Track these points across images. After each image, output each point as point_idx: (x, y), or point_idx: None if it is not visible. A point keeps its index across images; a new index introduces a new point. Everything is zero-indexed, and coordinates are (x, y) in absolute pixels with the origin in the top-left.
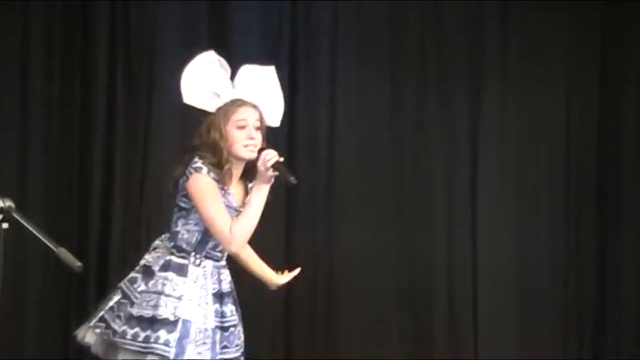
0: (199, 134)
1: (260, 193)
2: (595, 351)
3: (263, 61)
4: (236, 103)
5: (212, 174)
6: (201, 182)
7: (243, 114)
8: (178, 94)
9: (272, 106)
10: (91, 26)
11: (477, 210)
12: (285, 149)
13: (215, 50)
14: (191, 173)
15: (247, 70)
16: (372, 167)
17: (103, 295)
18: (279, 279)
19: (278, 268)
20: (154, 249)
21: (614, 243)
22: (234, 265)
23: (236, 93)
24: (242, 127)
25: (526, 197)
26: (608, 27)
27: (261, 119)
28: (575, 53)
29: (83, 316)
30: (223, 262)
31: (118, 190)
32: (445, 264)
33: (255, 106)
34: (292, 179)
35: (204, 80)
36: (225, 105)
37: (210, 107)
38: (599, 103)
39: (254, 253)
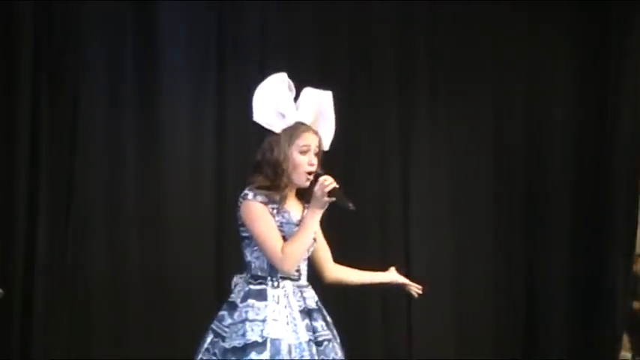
0: (262, 151)
1: (314, 218)
2: (525, 351)
3: (191, 62)
4: (300, 128)
5: (259, 197)
6: (249, 208)
7: (307, 139)
8: (105, 100)
9: (327, 130)
10: (14, 28)
11: (410, 222)
12: (215, 153)
13: (141, 49)
14: (241, 203)
15: (309, 94)
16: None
17: (29, 323)
18: (391, 275)
19: None
20: (235, 286)
21: (543, 251)
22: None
23: (299, 116)
24: (304, 153)
25: (458, 209)
26: (534, 39)
27: (320, 145)
28: (503, 63)
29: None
30: (304, 282)
31: (43, 211)
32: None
33: (316, 132)
34: (350, 205)
35: (273, 100)
36: (290, 128)
37: (276, 128)
38: (527, 114)
39: (347, 268)
